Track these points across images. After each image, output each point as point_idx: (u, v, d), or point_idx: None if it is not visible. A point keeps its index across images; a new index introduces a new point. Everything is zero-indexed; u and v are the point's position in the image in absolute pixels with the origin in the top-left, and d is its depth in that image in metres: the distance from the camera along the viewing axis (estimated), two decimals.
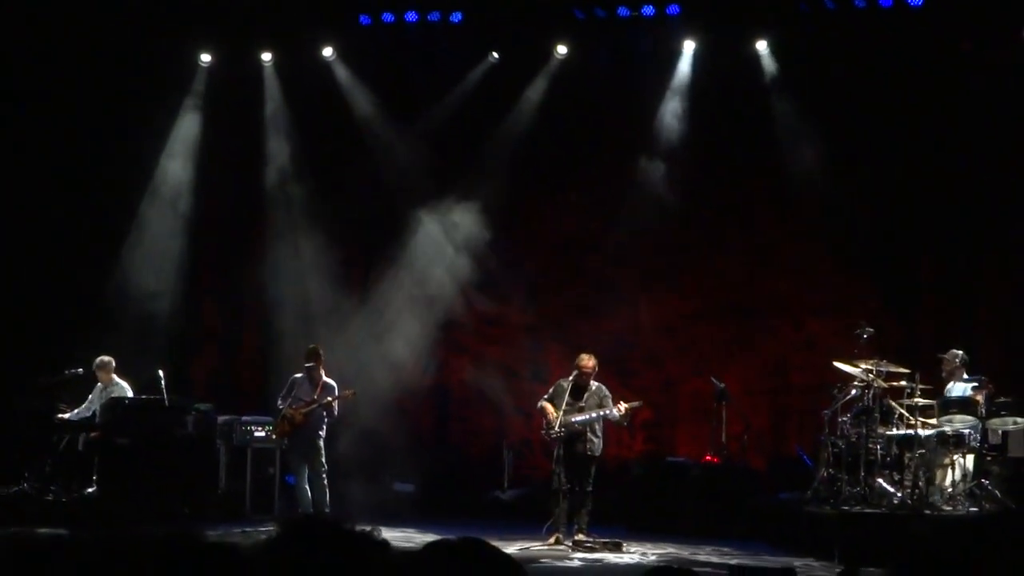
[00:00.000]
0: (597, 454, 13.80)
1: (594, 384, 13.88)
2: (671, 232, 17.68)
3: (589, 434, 13.66)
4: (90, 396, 15.80)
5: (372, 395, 16.48)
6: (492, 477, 17.61)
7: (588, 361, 13.87)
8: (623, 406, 13.65)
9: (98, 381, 15.78)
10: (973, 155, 16.57)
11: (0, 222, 17.59)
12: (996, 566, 2.62)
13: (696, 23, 17.29)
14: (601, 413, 13.66)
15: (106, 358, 15.77)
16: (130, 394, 15.65)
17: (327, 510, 14.14)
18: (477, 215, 17.52)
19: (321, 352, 14.72)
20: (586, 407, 13.69)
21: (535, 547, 13.18)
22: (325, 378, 14.63)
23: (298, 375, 14.69)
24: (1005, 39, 16.25)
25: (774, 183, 17.42)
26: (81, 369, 15.72)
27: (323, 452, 14.51)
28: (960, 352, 14.32)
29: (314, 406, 14.35)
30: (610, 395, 13.89)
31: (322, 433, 14.55)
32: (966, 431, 13.32)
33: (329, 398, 14.47)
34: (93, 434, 15.33)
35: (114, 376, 15.74)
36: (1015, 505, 12.80)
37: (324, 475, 14.43)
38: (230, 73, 18.24)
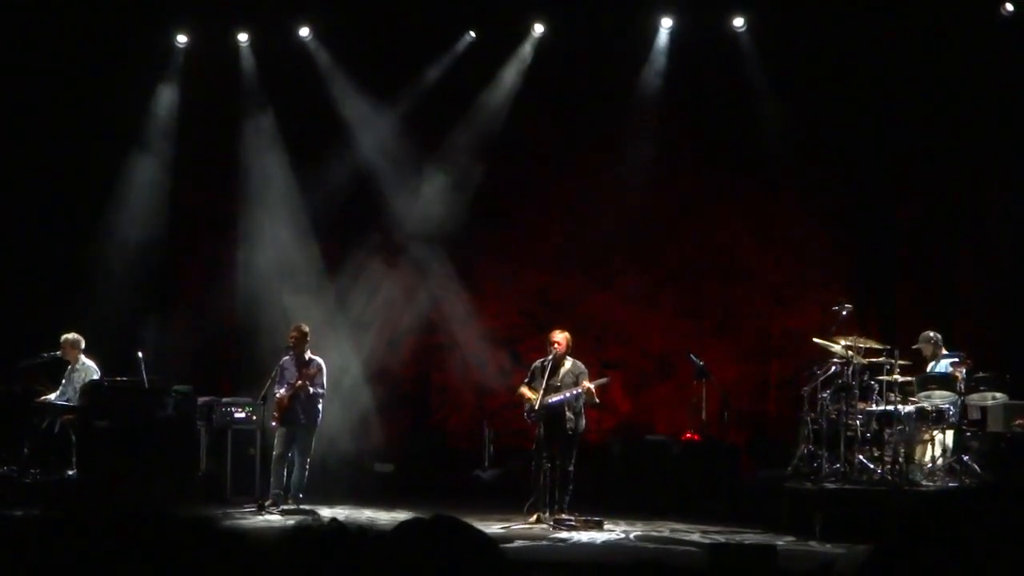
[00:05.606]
0: (578, 432, 13.61)
1: (569, 361, 13.69)
2: (650, 208, 17.65)
3: (568, 412, 13.49)
4: (63, 381, 15.72)
5: (352, 374, 16.50)
6: (472, 456, 17.60)
7: (559, 337, 13.65)
8: (586, 385, 13.42)
9: (66, 358, 15.62)
10: (951, 130, 16.58)
11: None
12: (976, 541, 2.62)
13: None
14: (574, 392, 13.48)
15: (74, 336, 15.66)
16: (97, 375, 15.56)
17: (301, 495, 14.11)
18: (454, 192, 17.55)
19: (306, 330, 14.53)
20: (562, 386, 13.55)
21: (516, 526, 13.14)
22: (311, 355, 14.45)
23: (285, 358, 14.42)
24: (984, 8, 16.23)
25: (754, 160, 17.40)
26: (59, 352, 15.64)
27: (312, 436, 14.31)
28: (932, 333, 14.33)
29: (297, 384, 14.16)
30: (587, 371, 13.72)
31: (316, 416, 14.27)
32: (945, 407, 13.39)
33: (311, 373, 14.19)
34: (67, 416, 15.27)
35: (82, 356, 15.63)
36: (994, 480, 12.85)
37: (307, 461, 14.24)
38: (207, 54, 18.14)
